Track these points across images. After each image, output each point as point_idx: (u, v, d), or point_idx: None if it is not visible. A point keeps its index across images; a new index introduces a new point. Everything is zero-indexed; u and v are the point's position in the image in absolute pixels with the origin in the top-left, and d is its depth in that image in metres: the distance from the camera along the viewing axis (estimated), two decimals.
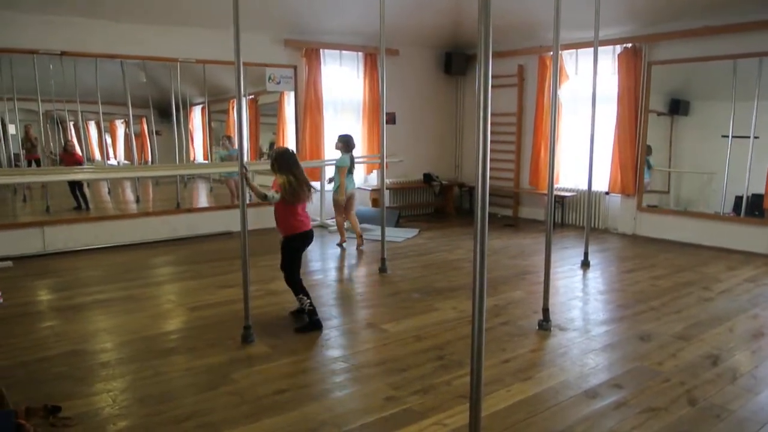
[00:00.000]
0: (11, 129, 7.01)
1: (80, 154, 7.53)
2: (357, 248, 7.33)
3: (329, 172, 8.80)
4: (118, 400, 3.29)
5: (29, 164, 7.24)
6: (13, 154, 7.08)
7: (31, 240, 6.85)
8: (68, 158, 7.39)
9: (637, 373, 3.66)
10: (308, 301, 4.48)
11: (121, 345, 4.15)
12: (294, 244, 4.55)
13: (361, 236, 7.40)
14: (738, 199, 7.24)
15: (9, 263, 6.33)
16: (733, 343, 4.16)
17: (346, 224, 7.54)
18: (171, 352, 4.02)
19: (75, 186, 7.64)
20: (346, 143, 7.25)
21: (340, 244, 7.49)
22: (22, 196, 7.55)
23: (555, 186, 4.62)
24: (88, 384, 3.51)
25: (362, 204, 9.19)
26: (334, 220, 8.86)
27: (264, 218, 8.10)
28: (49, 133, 7.34)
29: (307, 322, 4.45)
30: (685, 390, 3.41)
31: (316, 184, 8.72)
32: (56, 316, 4.80)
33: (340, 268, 6.60)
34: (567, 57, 8.59)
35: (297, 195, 4.40)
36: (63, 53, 6.92)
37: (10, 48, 6.61)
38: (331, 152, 8.91)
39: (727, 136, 7.25)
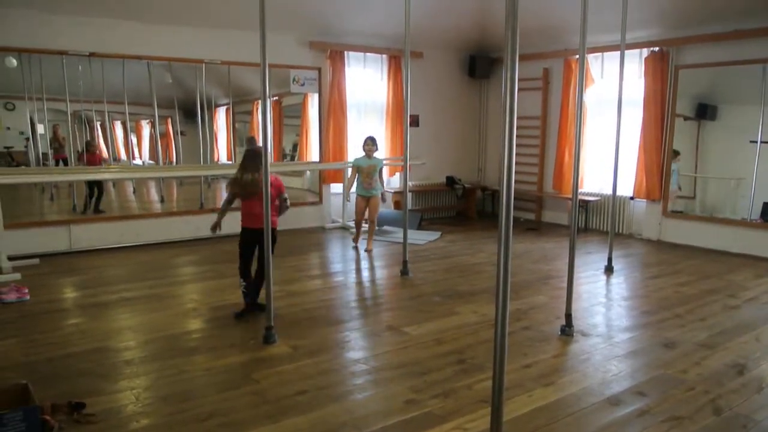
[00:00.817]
0: (40, 129, 7.12)
1: (101, 155, 7.59)
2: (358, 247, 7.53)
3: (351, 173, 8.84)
4: (141, 398, 3.33)
5: (57, 164, 7.34)
6: (42, 153, 7.19)
7: (58, 238, 6.96)
8: (90, 158, 7.45)
9: (660, 381, 3.62)
10: (244, 284, 4.85)
11: (145, 343, 4.20)
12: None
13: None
14: (766, 206, 7.12)
15: (36, 261, 6.44)
16: (760, 352, 4.09)
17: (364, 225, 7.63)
18: (194, 351, 4.05)
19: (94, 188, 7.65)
20: None
21: (370, 249, 7.42)
22: (49, 194, 7.66)
23: (579, 190, 4.57)
24: (112, 381, 3.55)
25: (384, 206, 9.18)
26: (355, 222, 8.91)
27: (287, 220, 8.15)
28: (77, 133, 7.44)
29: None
30: (710, 399, 3.36)
31: (338, 186, 8.81)
32: (81, 313, 4.86)
33: (360, 270, 6.61)
34: (592, 60, 8.52)
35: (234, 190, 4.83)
36: (91, 54, 7.02)
37: (41, 49, 6.72)
38: (353, 154, 8.94)
39: (756, 142, 7.13)
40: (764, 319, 4.81)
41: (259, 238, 4.56)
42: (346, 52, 8.76)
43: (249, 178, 4.66)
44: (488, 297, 5.32)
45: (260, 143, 4.47)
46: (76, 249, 7.01)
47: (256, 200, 4.55)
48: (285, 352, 4.03)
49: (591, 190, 8.88)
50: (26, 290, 5.26)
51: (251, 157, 4.71)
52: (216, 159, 8.58)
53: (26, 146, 7.10)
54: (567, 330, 4.39)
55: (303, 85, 8.60)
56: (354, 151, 8.98)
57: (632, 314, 5.01)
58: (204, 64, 7.87)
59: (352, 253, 7.32)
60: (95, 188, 7.60)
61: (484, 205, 10.61)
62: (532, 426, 3.04)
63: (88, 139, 7.52)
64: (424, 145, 9.53)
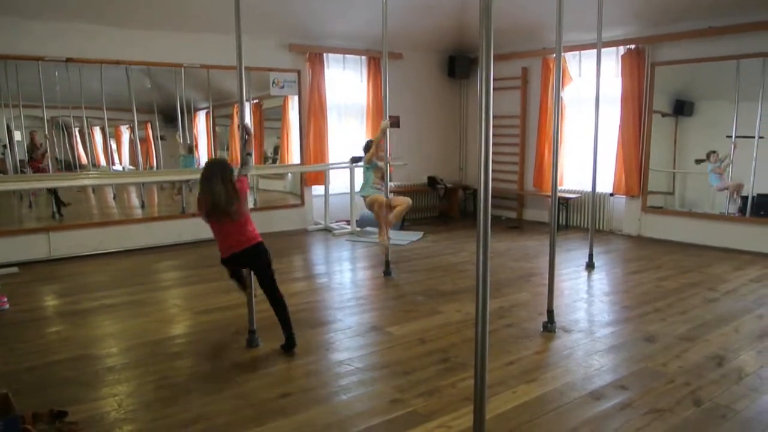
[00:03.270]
0: (17, 135, 7.03)
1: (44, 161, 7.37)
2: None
3: (333, 175, 8.84)
4: (124, 405, 3.31)
5: (35, 171, 7.26)
6: (19, 160, 7.10)
7: (37, 246, 6.88)
8: (35, 165, 7.24)
9: (642, 375, 3.66)
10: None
11: (127, 349, 4.17)
12: None
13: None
14: (743, 200, 7.22)
15: (15, 269, 6.36)
16: (739, 344, 4.15)
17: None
18: (177, 357, 4.03)
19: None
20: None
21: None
22: (27, 202, 7.58)
23: (559, 188, 4.61)
24: (94, 388, 3.52)
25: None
26: (341, 223, 8.91)
27: (269, 222, 8.14)
28: (55, 139, 7.36)
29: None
30: (690, 391, 3.41)
31: (320, 188, 8.82)
32: (62, 321, 4.82)
33: (343, 272, 6.61)
34: (570, 59, 8.59)
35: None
36: (68, 60, 6.95)
37: (16, 55, 6.65)
38: (334, 156, 8.94)
39: (732, 137, 7.24)
40: (743, 311, 4.88)
41: (249, 260, 4.04)
42: (325, 55, 8.76)
43: (220, 192, 3.80)
44: (471, 296, 5.34)
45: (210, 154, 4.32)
46: (56, 256, 6.94)
47: (229, 221, 3.89)
48: (268, 356, 4.02)
49: (571, 188, 8.95)
50: (5, 299, 5.19)
51: (215, 167, 3.93)
52: (198, 164, 8.53)
53: (3, 153, 7.02)
54: (549, 326, 4.43)
55: (283, 87, 8.59)
56: (335, 152, 8.99)
57: (613, 309, 5.06)
58: (183, 68, 7.82)
59: (335, 255, 7.31)
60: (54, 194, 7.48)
61: (466, 205, 10.64)
62: (515, 422, 3.07)
63: (29, 144, 7.20)
64: (405, 146, 9.55)
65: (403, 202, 6.62)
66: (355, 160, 7.00)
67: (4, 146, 7.00)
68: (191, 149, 8.38)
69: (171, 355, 4.05)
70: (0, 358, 4.00)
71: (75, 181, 7.31)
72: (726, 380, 3.54)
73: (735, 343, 4.16)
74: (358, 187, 8.87)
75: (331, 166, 8.76)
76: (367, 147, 6.71)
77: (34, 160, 7.25)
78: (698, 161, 7.58)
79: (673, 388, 3.44)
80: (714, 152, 7.41)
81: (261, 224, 4.22)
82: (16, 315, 4.94)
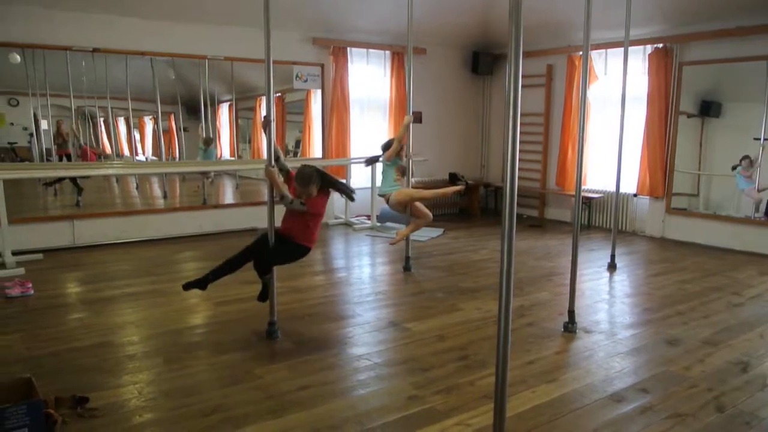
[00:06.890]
0: (43, 124, 7.12)
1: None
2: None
3: (354, 169, 8.84)
4: (144, 393, 3.34)
5: (60, 159, 7.35)
6: (45, 149, 7.19)
7: (61, 233, 6.97)
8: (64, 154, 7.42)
9: (663, 378, 3.61)
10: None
11: (148, 338, 4.21)
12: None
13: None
14: None
15: (39, 256, 6.45)
16: (764, 350, 4.08)
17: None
18: (196, 347, 4.06)
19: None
20: None
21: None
22: (52, 190, 7.67)
23: (582, 187, 4.56)
24: (115, 376, 3.56)
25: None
26: (361, 218, 8.91)
27: None
28: (80, 128, 7.44)
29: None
30: (713, 396, 3.36)
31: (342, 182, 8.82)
32: (85, 308, 4.87)
33: (362, 266, 6.60)
34: (596, 57, 8.50)
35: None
36: (95, 50, 7.02)
37: (44, 44, 6.73)
38: (356, 150, 8.94)
39: (759, 139, 7.11)
40: None
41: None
42: (349, 49, 8.75)
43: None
44: (491, 293, 5.32)
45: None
46: (80, 244, 7.02)
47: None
48: (287, 348, 4.04)
49: (594, 187, 8.87)
50: (30, 285, 5.27)
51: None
52: (219, 155, 8.58)
53: (30, 142, 7.11)
54: (570, 327, 4.39)
55: (306, 81, 8.60)
56: (357, 147, 8.99)
57: (635, 311, 5.00)
58: (207, 60, 7.86)
59: (354, 249, 7.32)
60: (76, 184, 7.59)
61: (487, 202, 10.60)
62: (534, 422, 3.04)
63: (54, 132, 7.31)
64: (427, 142, 9.52)
65: (426, 216, 6.13)
66: (371, 161, 6.60)
67: (31, 135, 7.09)
68: (209, 141, 8.40)
69: (191, 345, 4.08)
70: (24, 343, 4.05)
71: (99, 170, 7.39)
72: (750, 386, 3.49)
73: (760, 349, 4.09)
74: (378, 182, 8.87)
75: (353, 161, 8.75)
76: (387, 145, 6.21)
77: (61, 149, 7.35)
78: (734, 167, 7.38)
79: (695, 393, 3.40)
80: (747, 157, 7.24)
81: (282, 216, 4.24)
82: (40, 301, 5.01)
